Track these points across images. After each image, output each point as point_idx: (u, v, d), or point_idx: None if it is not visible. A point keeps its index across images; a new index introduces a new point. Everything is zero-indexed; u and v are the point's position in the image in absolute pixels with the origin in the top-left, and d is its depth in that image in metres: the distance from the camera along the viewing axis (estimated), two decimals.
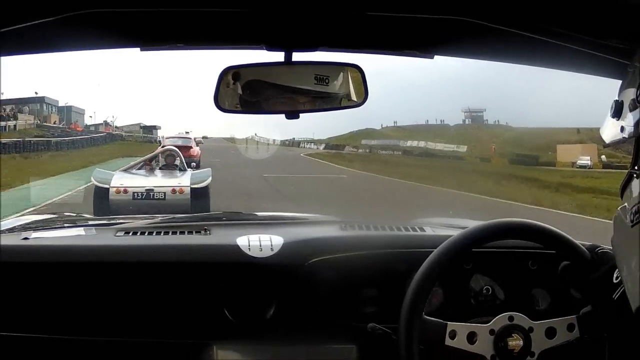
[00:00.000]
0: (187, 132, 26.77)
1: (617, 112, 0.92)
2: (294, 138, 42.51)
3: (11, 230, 1.53)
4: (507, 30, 0.96)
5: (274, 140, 42.13)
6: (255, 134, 44.20)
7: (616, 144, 0.98)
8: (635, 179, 0.97)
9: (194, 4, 0.95)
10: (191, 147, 15.97)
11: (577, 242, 1.23)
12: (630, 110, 0.89)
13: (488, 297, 1.32)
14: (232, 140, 41.61)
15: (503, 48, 1.10)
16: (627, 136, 0.92)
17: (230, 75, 1.10)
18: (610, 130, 0.95)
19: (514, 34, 0.97)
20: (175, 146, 15.62)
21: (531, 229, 1.22)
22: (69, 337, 1.31)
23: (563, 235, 1.22)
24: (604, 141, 1.00)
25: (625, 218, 0.96)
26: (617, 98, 0.93)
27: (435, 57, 1.12)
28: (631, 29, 0.85)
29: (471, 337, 1.17)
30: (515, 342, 1.17)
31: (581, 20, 0.92)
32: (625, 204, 0.98)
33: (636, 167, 0.97)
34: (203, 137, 37.59)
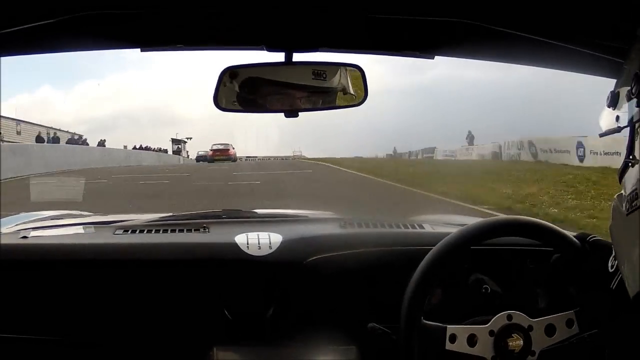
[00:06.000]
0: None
1: (614, 102, 0.95)
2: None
3: (10, 228, 1.53)
4: (506, 31, 0.97)
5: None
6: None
7: (611, 133, 1.01)
8: (630, 167, 0.99)
9: (194, 4, 0.95)
10: (229, 150, 25.61)
11: (567, 232, 1.22)
12: (626, 101, 0.91)
13: (487, 295, 1.32)
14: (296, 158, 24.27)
15: (502, 49, 1.11)
16: (621, 125, 0.95)
17: (228, 73, 1.10)
18: (606, 120, 0.97)
19: (513, 35, 0.98)
20: (217, 150, 24.65)
21: (520, 225, 1.21)
22: (68, 337, 1.31)
23: (551, 227, 1.21)
24: (600, 130, 1.02)
25: (622, 206, 0.97)
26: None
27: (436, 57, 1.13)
28: (625, 29, 0.87)
29: (471, 340, 1.17)
30: (516, 342, 1.17)
31: (578, 20, 0.94)
32: (622, 191, 0.99)
33: (631, 157, 1.00)
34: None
